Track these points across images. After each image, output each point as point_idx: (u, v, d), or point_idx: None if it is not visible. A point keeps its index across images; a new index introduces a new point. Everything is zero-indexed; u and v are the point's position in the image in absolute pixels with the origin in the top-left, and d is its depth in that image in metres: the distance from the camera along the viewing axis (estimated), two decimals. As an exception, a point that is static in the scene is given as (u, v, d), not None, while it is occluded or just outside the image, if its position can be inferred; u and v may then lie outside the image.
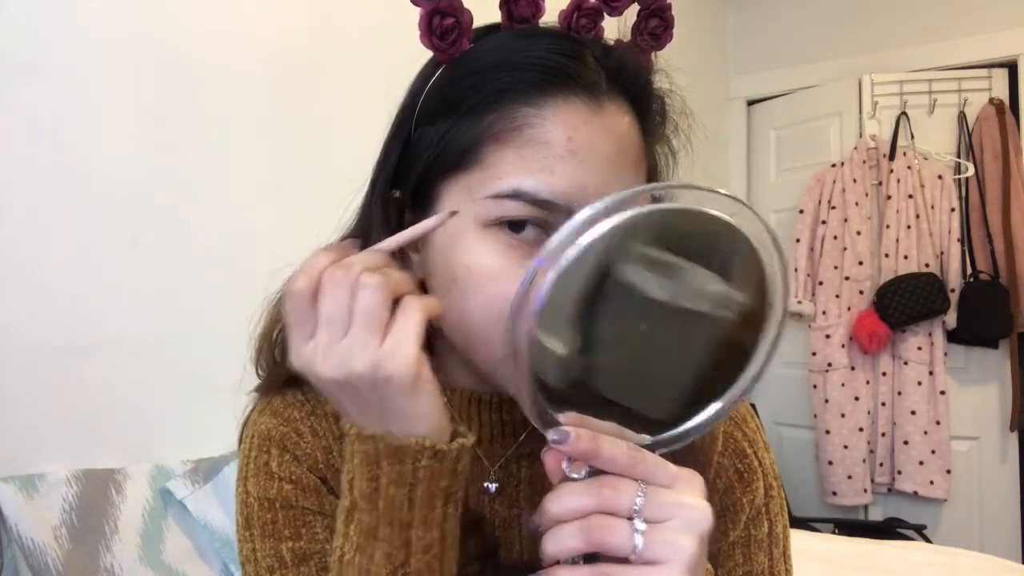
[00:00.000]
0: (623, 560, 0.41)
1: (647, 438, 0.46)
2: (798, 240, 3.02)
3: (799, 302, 2.99)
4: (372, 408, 0.46)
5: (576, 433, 0.42)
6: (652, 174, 0.58)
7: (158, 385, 1.55)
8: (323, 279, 0.45)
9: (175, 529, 1.44)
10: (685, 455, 0.59)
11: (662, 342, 0.44)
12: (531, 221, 0.50)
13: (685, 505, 0.42)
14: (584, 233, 0.39)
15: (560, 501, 0.43)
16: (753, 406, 3.12)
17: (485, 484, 0.60)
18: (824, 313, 2.96)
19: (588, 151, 0.49)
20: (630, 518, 0.41)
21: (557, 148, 0.49)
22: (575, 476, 0.43)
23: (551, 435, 0.43)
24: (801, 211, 3.05)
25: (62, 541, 1.29)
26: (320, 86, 1.86)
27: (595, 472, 0.42)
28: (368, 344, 0.44)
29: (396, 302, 0.45)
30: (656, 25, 0.57)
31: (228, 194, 1.67)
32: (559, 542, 0.42)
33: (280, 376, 0.61)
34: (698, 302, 0.42)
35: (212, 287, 1.61)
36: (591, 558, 0.42)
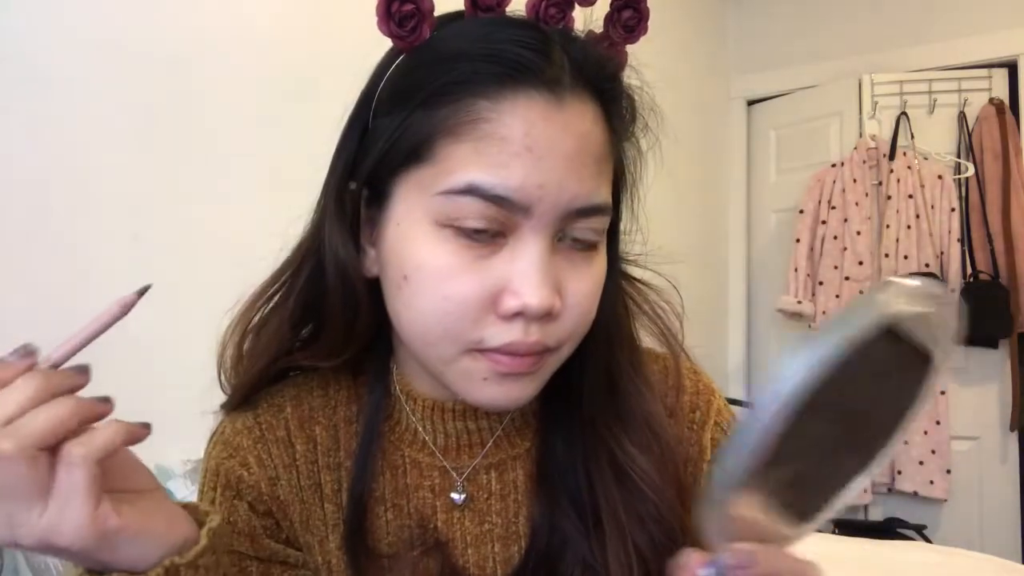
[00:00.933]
0: None
1: (798, 525, 0.43)
2: (798, 240, 3.02)
3: (799, 302, 2.99)
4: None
5: (753, 555, 0.40)
6: (619, 173, 0.55)
7: (158, 385, 1.54)
8: None
9: (175, 529, 1.44)
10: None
11: (842, 441, 0.41)
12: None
13: None
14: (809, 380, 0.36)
15: None
16: (753, 406, 3.12)
17: (451, 495, 0.58)
18: (824, 313, 2.95)
19: (546, 148, 0.46)
20: None
21: (513, 144, 0.46)
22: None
23: (727, 558, 0.40)
24: (801, 211, 3.04)
25: (62, 541, 1.29)
26: (320, 85, 1.86)
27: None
28: (26, 517, 0.38)
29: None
30: (630, 17, 0.54)
31: (228, 194, 1.67)
32: None
33: (241, 390, 0.60)
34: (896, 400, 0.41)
35: (212, 287, 1.60)
36: None
